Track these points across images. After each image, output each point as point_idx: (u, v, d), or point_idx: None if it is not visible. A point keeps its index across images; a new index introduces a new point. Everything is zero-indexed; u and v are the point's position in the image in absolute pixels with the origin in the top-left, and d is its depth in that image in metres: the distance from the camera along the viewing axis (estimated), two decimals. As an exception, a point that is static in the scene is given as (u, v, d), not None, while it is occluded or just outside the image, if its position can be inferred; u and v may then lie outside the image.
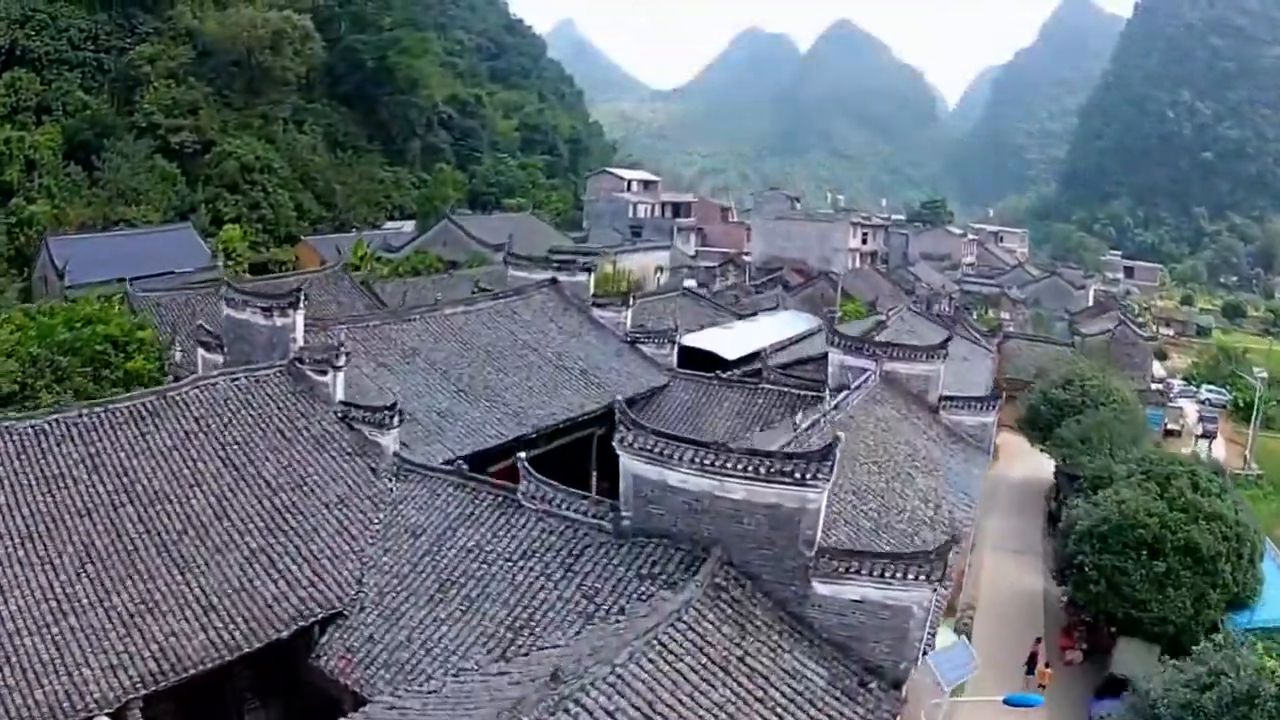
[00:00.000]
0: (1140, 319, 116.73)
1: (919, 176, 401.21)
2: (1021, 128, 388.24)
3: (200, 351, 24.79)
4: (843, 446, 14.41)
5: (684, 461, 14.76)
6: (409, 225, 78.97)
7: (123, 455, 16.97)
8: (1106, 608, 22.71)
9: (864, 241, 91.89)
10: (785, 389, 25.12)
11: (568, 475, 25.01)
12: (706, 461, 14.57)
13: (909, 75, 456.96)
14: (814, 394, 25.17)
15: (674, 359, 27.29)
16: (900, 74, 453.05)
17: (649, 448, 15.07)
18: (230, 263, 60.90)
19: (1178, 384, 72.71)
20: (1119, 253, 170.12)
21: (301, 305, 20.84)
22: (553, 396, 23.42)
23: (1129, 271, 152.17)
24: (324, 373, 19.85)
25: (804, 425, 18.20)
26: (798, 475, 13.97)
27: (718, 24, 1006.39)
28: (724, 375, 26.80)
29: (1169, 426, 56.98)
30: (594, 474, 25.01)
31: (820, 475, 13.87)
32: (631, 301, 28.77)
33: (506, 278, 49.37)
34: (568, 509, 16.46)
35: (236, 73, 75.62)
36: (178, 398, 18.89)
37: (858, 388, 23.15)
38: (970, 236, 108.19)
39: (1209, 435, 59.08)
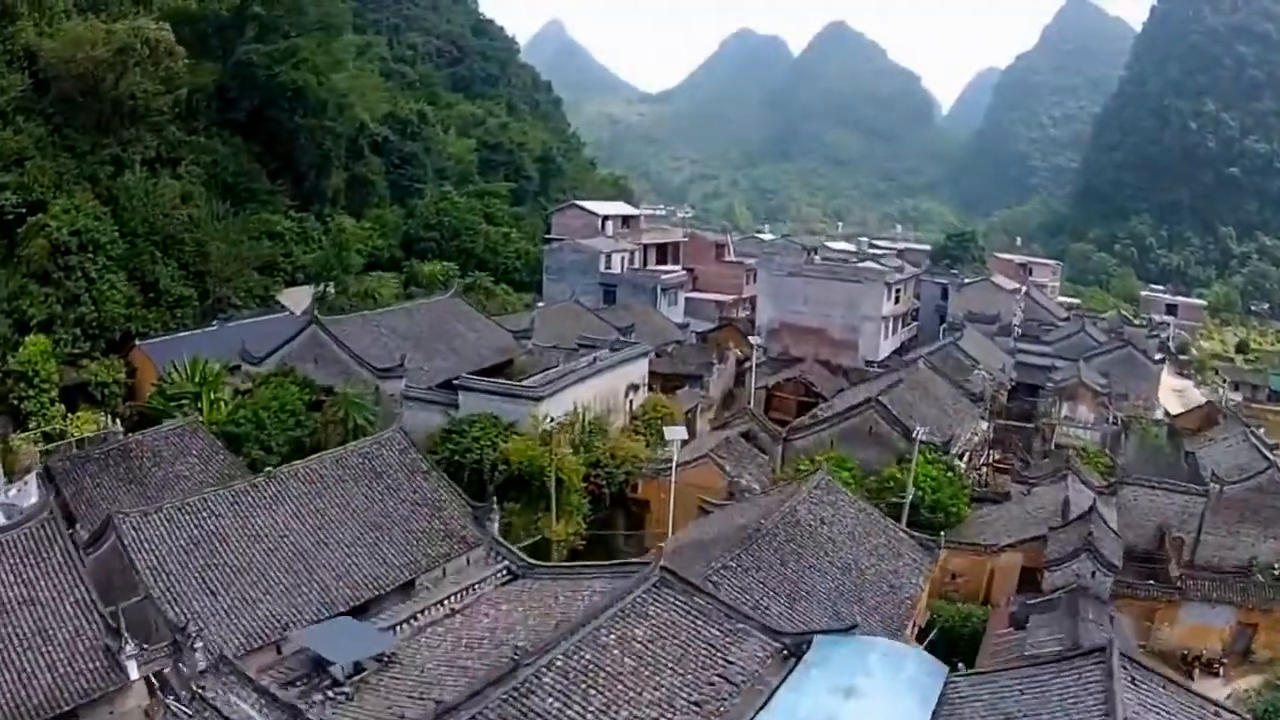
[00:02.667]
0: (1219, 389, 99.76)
1: (916, 184, 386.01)
2: (1023, 134, 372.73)
3: None
4: None
5: None
6: (309, 294, 60.31)
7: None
8: None
9: (896, 300, 73.96)
10: None
11: None
12: None
13: (905, 79, 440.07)
14: None
15: None
16: (896, 77, 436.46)
17: None
18: (33, 392, 42.48)
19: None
20: (1160, 288, 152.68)
21: None
22: None
23: (1172, 309, 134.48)
24: None
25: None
26: None
27: (709, 25, 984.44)
28: None
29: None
30: None
31: None
32: None
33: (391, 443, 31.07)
34: None
35: (82, 105, 56.75)
36: None
37: None
38: (1023, 290, 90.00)
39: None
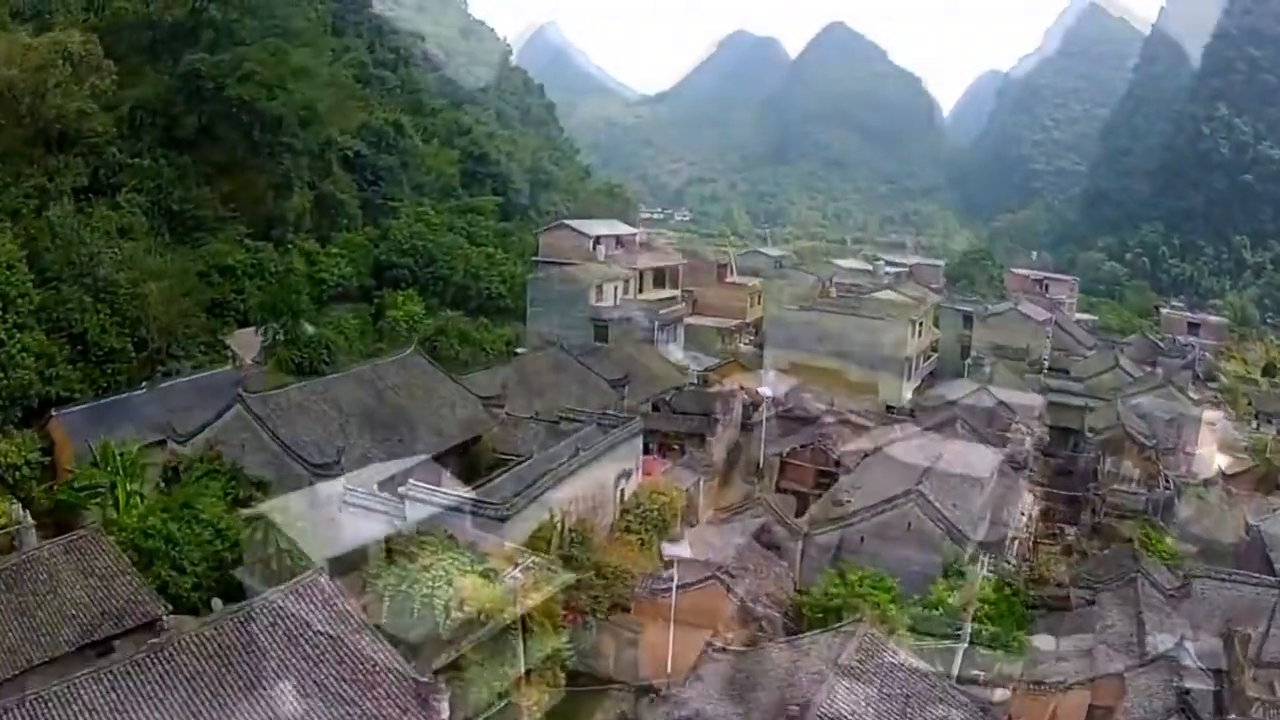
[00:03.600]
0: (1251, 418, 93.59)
1: (918, 188, 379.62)
2: (1027, 137, 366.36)
3: None
4: None
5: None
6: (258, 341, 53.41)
7: None
8: None
9: (918, 335, 67.53)
10: None
11: None
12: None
13: (906, 81, 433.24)
14: None
15: None
16: (897, 79, 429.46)
17: None
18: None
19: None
20: (1179, 302, 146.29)
21: None
22: None
23: (1194, 328, 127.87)
24: None
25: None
26: None
27: (705, 26, 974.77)
28: None
29: None
30: None
31: None
32: None
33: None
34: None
35: (3, 130, 50.07)
36: None
37: None
38: (1053, 320, 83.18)
39: None
